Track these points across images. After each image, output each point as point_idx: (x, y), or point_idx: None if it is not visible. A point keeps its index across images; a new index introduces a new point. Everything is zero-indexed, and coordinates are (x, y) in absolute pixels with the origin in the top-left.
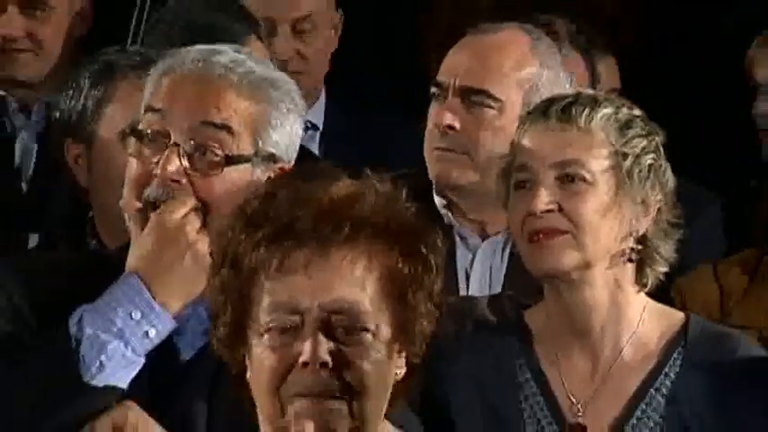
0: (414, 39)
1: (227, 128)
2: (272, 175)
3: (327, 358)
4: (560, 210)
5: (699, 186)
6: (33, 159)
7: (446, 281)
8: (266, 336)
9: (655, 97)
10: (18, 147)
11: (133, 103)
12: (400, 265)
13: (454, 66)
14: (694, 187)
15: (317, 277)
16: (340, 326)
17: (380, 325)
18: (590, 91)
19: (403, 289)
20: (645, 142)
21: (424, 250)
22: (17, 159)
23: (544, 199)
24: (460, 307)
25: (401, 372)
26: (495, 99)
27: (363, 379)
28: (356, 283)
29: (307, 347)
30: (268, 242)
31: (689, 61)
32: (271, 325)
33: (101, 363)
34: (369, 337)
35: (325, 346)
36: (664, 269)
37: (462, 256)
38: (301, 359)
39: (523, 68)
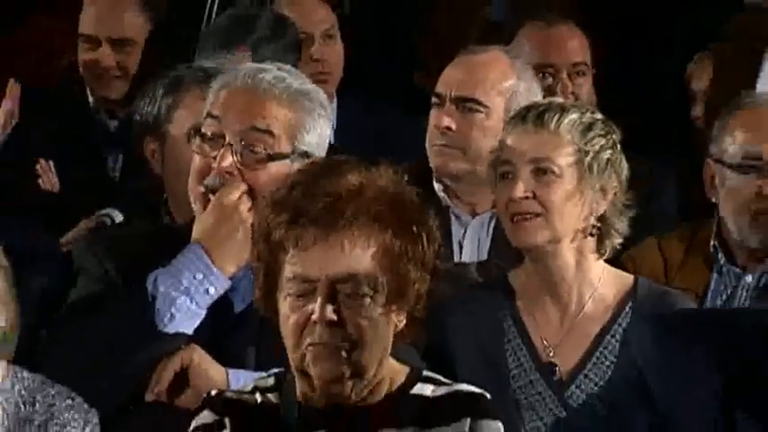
0: (414, 58)
1: (269, 132)
2: None
3: (333, 317)
4: (534, 197)
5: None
6: (121, 154)
7: (443, 251)
8: (288, 299)
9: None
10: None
11: (197, 109)
12: (393, 243)
13: (450, 79)
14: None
15: (324, 254)
16: (343, 292)
17: (377, 291)
18: (560, 99)
19: (395, 261)
20: (603, 141)
21: (415, 229)
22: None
23: (521, 188)
24: (455, 271)
25: (401, 323)
26: (484, 105)
27: (362, 333)
28: (355, 258)
29: (317, 309)
30: (288, 224)
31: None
32: (290, 291)
33: (171, 314)
34: (367, 300)
35: (331, 307)
36: (619, 241)
37: (456, 230)
38: (313, 317)
39: (505, 81)
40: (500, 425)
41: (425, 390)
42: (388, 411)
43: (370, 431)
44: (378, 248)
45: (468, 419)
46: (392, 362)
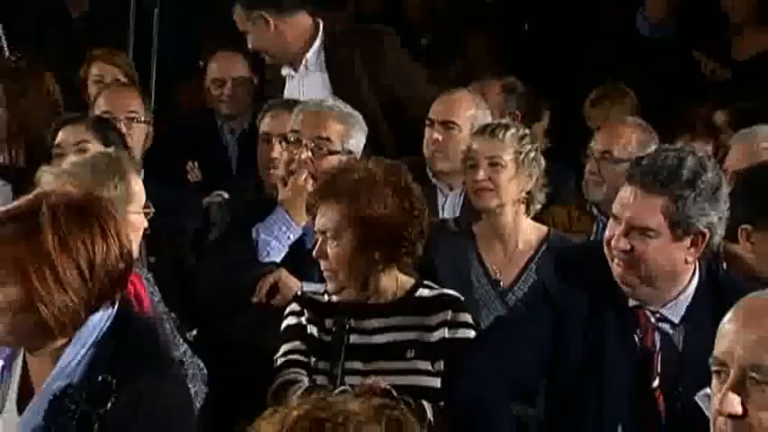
0: None
1: (327, 138)
2: None
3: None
4: (489, 179)
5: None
6: (236, 154)
7: (431, 212)
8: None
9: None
10: (229, 148)
11: (283, 123)
12: (367, 212)
13: (436, 109)
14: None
15: (320, 217)
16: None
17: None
18: (504, 120)
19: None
20: (530, 146)
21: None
22: (230, 155)
23: (481, 174)
24: (439, 224)
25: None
26: (457, 125)
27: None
28: (334, 219)
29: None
30: (312, 198)
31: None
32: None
33: (267, 251)
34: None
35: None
36: (539, 206)
37: (440, 199)
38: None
39: (469, 111)
40: (468, 316)
41: (424, 292)
42: (400, 305)
43: (388, 317)
44: (353, 215)
45: (450, 311)
46: (402, 275)
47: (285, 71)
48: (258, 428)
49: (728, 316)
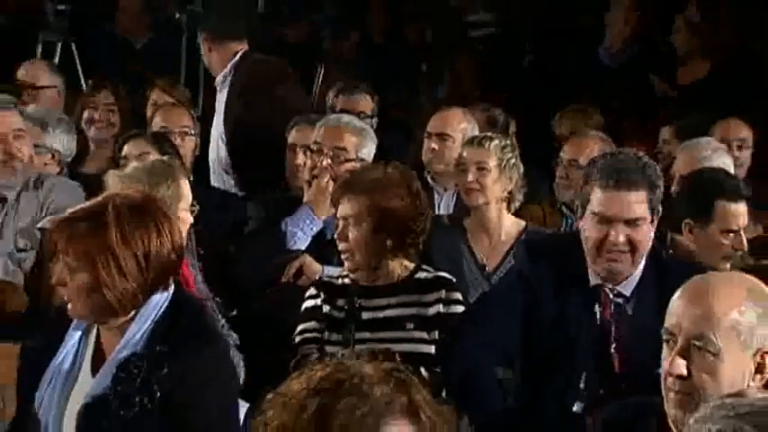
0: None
1: (344, 148)
2: None
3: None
4: (477, 181)
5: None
6: None
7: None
8: None
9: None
10: None
11: (307, 135)
12: (383, 204)
13: (433, 124)
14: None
15: (344, 206)
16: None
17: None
18: (489, 133)
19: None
20: (510, 154)
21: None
22: None
23: (471, 177)
24: (436, 219)
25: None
26: (450, 137)
27: None
28: (355, 208)
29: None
30: (338, 189)
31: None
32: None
33: (294, 241)
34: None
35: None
36: (518, 204)
37: (437, 198)
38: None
39: (461, 124)
40: (459, 294)
41: (422, 275)
42: (402, 285)
43: (391, 296)
44: (372, 207)
45: (444, 290)
46: (406, 261)
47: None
48: (288, 387)
49: (678, 294)
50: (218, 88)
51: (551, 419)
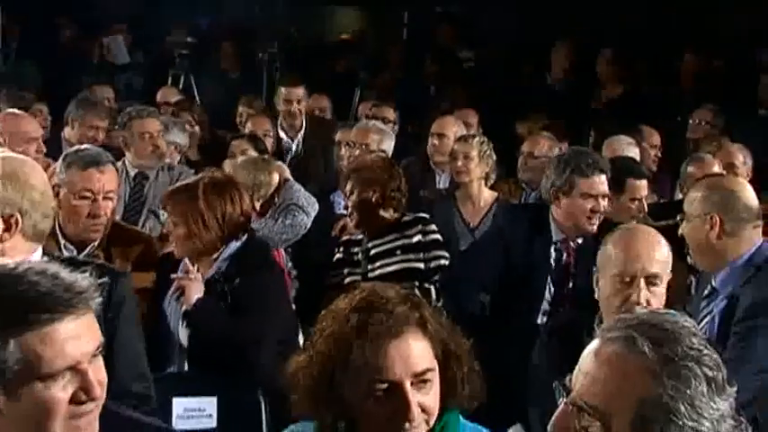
0: None
1: (369, 144)
2: None
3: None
4: (464, 166)
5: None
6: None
7: (432, 187)
8: None
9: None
10: None
11: (347, 135)
12: (371, 176)
13: (434, 127)
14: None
15: (350, 182)
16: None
17: None
18: (473, 133)
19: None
20: (486, 147)
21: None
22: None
23: (460, 164)
24: (436, 192)
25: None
26: (447, 136)
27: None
28: (353, 183)
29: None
30: (346, 172)
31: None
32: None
33: (339, 208)
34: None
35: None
36: (492, 181)
37: (437, 178)
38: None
39: (454, 127)
40: (434, 226)
41: (405, 218)
42: (392, 226)
43: (385, 235)
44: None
45: (421, 224)
46: (394, 213)
47: None
48: (336, 305)
49: (613, 243)
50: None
51: (518, 328)
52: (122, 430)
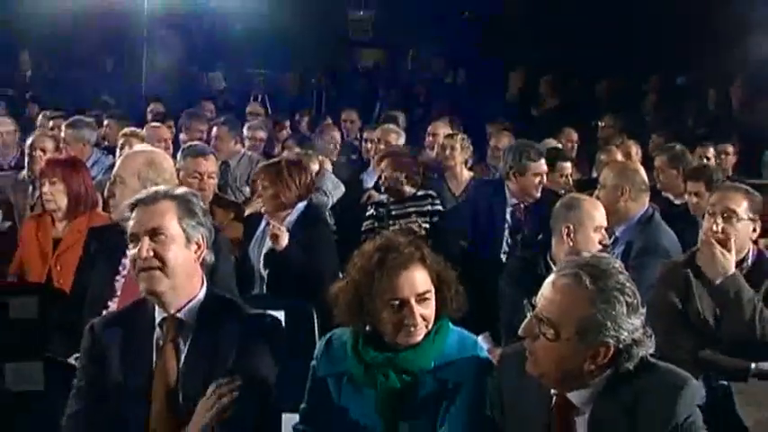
0: None
1: (389, 140)
2: None
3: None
4: (450, 155)
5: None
6: None
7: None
8: None
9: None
10: None
11: (371, 134)
12: (403, 161)
13: (429, 129)
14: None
15: (383, 162)
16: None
17: None
18: (455, 131)
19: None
20: (466, 141)
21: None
22: None
23: (446, 153)
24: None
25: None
26: (438, 135)
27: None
28: (384, 165)
29: None
30: (380, 155)
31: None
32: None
33: (367, 182)
34: None
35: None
36: (469, 165)
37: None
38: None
39: (443, 129)
40: (439, 200)
41: (420, 193)
42: (409, 198)
43: (405, 202)
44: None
45: (430, 198)
46: (409, 187)
47: None
48: (363, 248)
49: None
50: None
51: (487, 262)
52: (237, 311)
